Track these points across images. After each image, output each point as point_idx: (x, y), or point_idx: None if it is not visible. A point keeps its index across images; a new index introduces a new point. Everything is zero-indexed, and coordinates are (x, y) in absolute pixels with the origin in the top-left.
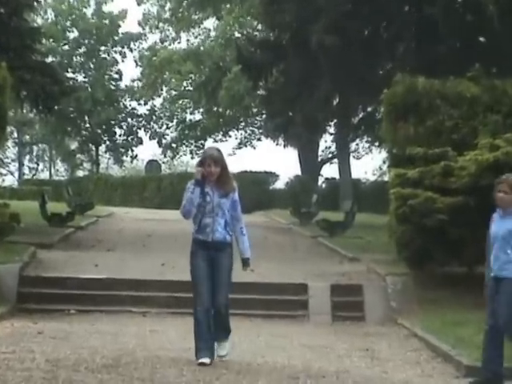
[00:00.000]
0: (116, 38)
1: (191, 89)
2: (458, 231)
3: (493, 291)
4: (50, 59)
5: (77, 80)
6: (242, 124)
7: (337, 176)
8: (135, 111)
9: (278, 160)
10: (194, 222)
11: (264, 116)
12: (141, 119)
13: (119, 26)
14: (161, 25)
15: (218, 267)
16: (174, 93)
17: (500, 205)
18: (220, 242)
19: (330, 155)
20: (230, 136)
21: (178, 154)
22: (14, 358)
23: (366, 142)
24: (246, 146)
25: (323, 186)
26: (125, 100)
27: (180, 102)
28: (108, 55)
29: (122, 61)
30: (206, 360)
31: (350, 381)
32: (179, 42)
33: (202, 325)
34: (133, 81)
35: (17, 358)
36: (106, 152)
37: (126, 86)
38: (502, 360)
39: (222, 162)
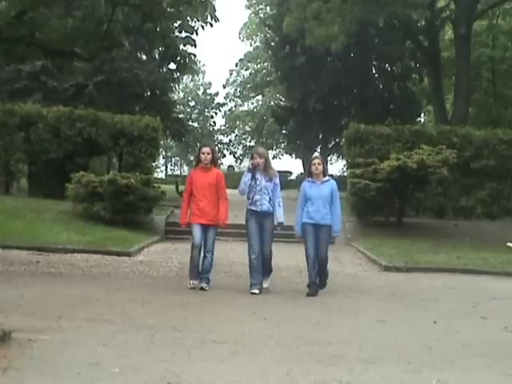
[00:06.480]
0: (213, 104)
1: (249, 129)
2: (380, 200)
3: None
4: (180, 116)
5: (194, 126)
6: (274, 147)
7: None
8: (222, 140)
9: (293, 165)
10: (248, 197)
11: (285, 143)
12: (225, 144)
13: (214, 99)
14: (235, 98)
15: (264, 228)
16: (241, 132)
17: None
18: (265, 212)
19: None
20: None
21: (242, 162)
22: (163, 261)
23: (336, 156)
24: (275, 158)
25: None
26: (218, 135)
27: (244, 136)
28: (209, 113)
29: (216, 116)
30: (256, 291)
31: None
32: (243, 106)
33: (253, 267)
34: (221, 125)
35: (164, 261)
36: None
37: (218, 128)
38: None
39: (264, 156)
